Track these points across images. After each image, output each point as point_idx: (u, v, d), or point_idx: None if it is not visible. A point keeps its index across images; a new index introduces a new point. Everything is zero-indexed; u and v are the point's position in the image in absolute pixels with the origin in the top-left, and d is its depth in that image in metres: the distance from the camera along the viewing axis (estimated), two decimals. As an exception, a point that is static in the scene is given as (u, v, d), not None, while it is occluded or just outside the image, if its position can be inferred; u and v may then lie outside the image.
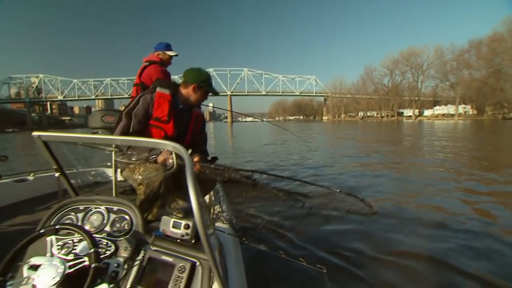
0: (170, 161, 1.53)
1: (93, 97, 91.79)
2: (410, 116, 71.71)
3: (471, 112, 60.14)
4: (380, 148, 11.61)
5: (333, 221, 2.74)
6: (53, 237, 0.94)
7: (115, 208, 1.22)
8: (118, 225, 1.17)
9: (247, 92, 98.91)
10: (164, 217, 1.13)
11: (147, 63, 2.80)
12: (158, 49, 2.86)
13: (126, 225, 1.16)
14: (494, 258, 2.49)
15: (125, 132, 1.59)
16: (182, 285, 0.96)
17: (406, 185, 5.35)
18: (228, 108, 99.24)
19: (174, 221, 1.10)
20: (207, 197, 2.14)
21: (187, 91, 1.74)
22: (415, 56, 71.55)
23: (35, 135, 1.12)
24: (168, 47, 2.90)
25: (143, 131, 1.64)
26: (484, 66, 56.38)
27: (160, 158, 1.55)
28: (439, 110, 66.27)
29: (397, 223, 3.29)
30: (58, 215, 1.21)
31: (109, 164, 3.14)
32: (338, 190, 1.72)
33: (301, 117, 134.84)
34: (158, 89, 1.68)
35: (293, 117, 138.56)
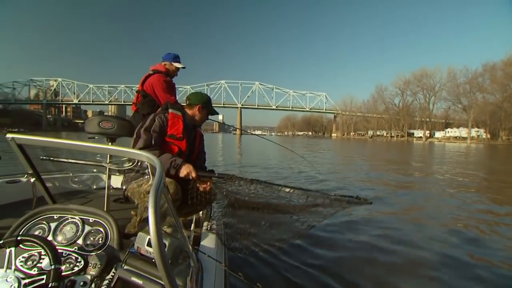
0: (193, 174, 1.66)
1: (106, 102, 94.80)
2: (421, 137, 70.77)
3: (484, 136, 58.69)
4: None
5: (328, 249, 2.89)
6: (13, 250, 0.87)
7: (91, 219, 1.15)
8: (92, 238, 1.10)
9: (257, 106, 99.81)
10: (140, 234, 1.03)
11: (151, 72, 2.80)
12: (166, 60, 2.85)
13: (100, 239, 1.09)
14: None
15: (148, 146, 1.70)
16: None
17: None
18: (237, 120, 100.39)
19: (149, 239, 0.99)
20: (200, 213, 2.15)
21: (193, 111, 1.94)
22: (427, 77, 71.53)
23: (9, 137, 1.05)
24: (176, 58, 2.88)
25: (159, 144, 1.75)
26: (499, 90, 55.58)
27: (184, 173, 1.67)
28: (451, 132, 65.03)
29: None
30: (30, 223, 1.13)
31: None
32: (333, 194, 1.78)
33: (310, 133, 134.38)
34: (170, 110, 1.85)
35: (302, 133, 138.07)
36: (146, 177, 1.68)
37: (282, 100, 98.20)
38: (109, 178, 2.28)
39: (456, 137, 62.93)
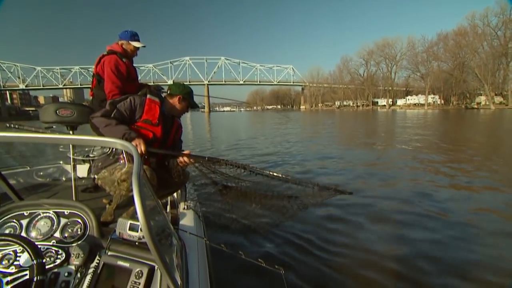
0: (142, 147, 1.61)
1: (60, 86, 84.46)
2: (384, 105, 74.68)
3: (439, 102, 64.00)
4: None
5: (300, 220, 3.14)
6: None
7: (66, 211, 1.14)
8: (70, 230, 1.10)
9: (225, 81, 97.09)
10: (120, 219, 1.07)
11: (105, 53, 2.51)
12: (122, 38, 2.56)
13: (79, 230, 1.10)
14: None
15: (105, 116, 1.64)
16: None
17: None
18: (205, 97, 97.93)
19: (130, 223, 1.04)
20: (175, 195, 2.19)
21: (173, 101, 1.92)
22: (389, 47, 74.33)
23: None
24: (134, 36, 2.59)
25: (122, 122, 1.69)
26: (451, 58, 60.24)
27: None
28: (411, 100, 69.60)
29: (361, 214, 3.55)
30: None
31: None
32: (316, 184, 1.85)
33: (279, 107, 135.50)
34: (148, 96, 1.82)
35: (271, 107, 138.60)
36: (117, 164, 1.66)
37: (249, 75, 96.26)
38: (74, 168, 2.16)
39: (415, 104, 67.61)
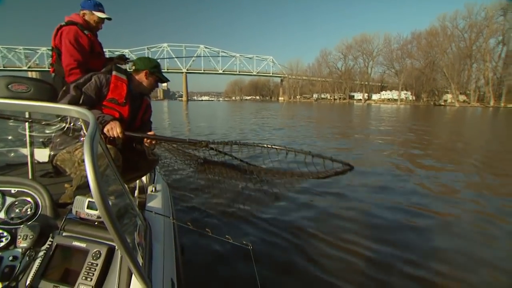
0: (118, 130, 1.49)
1: (25, 68, 76.26)
2: (360, 99, 77.42)
3: (411, 98, 67.23)
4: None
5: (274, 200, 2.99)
6: None
7: (13, 190, 1.04)
8: (17, 210, 1.01)
9: (203, 70, 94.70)
10: (78, 197, 0.99)
11: (63, 23, 2.23)
12: (85, 8, 2.29)
13: (29, 210, 1.01)
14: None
15: (74, 103, 1.49)
16: (97, 273, 0.84)
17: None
18: (183, 86, 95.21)
19: (89, 201, 0.97)
20: (143, 179, 2.13)
21: (140, 77, 1.79)
22: (367, 43, 76.23)
23: None
24: (97, 6, 2.31)
25: (92, 107, 1.58)
26: (422, 57, 63.21)
27: (107, 128, 1.53)
28: (385, 95, 72.59)
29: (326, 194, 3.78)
30: None
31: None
32: (308, 152, 1.62)
33: (257, 97, 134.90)
34: (114, 73, 1.70)
35: (249, 97, 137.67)
36: (79, 142, 1.52)
37: (229, 64, 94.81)
38: (31, 146, 1.90)
39: (389, 99, 70.72)
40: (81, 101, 1.54)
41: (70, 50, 2.15)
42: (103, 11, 2.35)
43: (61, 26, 2.22)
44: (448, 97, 59.25)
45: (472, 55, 54.94)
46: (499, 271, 2.25)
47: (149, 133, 1.72)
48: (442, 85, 59.87)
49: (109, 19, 2.40)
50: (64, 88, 1.59)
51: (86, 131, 1.28)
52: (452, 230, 2.91)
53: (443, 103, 58.55)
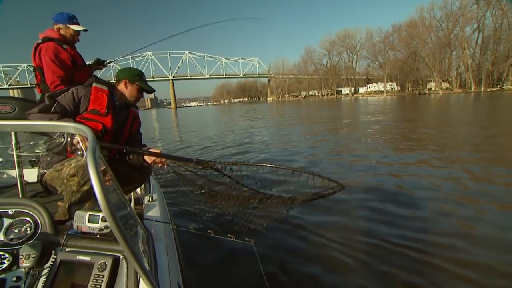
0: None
1: (5, 86, 74.64)
2: (348, 94, 78.39)
3: (396, 89, 68.58)
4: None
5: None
6: None
7: (10, 211, 1.02)
8: (16, 230, 0.99)
9: (190, 76, 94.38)
10: (78, 212, 0.99)
11: (40, 41, 2.17)
12: (59, 22, 2.22)
13: (28, 229, 1.00)
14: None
15: (44, 111, 1.48)
16: (104, 284, 0.84)
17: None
18: (171, 93, 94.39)
19: (90, 215, 0.98)
20: (138, 190, 2.12)
21: (121, 87, 1.77)
22: (350, 38, 77.39)
23: None
24: (71, 19, 2.26)
25: (65, 117, 1.53)
26: (404, 48, 64.60)
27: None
28: (371, 87, 73.94)
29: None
30: None
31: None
32: (306, 172, 1.65)
33: (246, 99, 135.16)
34: (94, 84, 1.67)
35: (238, 100, 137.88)
36: (65, 160, 1.49)
37: (215, 68, 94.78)
38: (19, 165, 1.75)
39: (375, 91, 71.99)
40: (52, 110, 1.50)
41: (52, 68, 2.11)
42: (78, 23, 2.29)
43: (38, 44, 2.16)
44: (432, 85, 60.71)
45: (451, 43, 56.44)
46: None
47: (152, 149, 1.68)
48: (425, 74, 61.23)
49: (85, 30, 2.34)
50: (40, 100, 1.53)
51: (74, 149, 1.28)
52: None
53: (427, 92, 59.93)
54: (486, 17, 51.69)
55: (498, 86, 49.50)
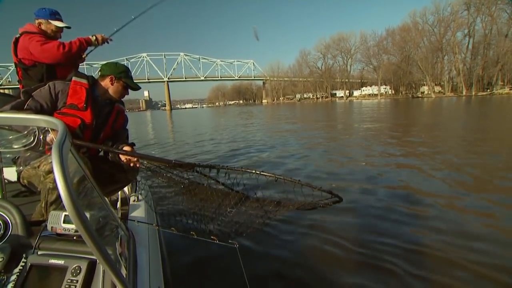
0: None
1: None
2: (342, 96, 79.14)
3: (390, 92, 69.50)
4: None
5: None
6: None
7: None
8: None
9: (185, 78, 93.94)
10: (53, 212, 0.94)
11: (18, 35, 2.05)
12: (40, 17, 2.11)
13: None
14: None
15: (18, 108, 1.41)
16: None
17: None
18: (166, 95, 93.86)
19: (65, 215, 0.91)
20: (125, 189, 2.09)
21: (105, 83, 1.69)
22: (344, 41, 78.36)
23: None
24: (54, 15, 2.15)
25: (41, 113, 1.45)
26: (398, 52, 65.68)
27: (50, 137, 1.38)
28: (366, 90, 74.82)
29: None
30: None
31: None
32: (298, 180, 1.52)
33: (241, 101, 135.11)
34: (74, 78, 1.60)
35: (233, 102, 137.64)
36: (43, 156, 1.44)
37: (210, 70, 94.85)
38: (1, 170, 1.75)
39: (370, 95, 72.88)
40: (26, 106, 1.43)
41: (42, 40, 1.97)
42: (61, 20, 2.19)
43: (17, 39, 2.04)
44: (425, 89, 61.72)
45: (443, 48, 57.63)
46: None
47: (126, 148, 1.58)
48: (418, 78, 62.26)
49: (68, 27, 2.24)
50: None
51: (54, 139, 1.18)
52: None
53: (420, 95, 60.90)
54: (476, 23, 53.24)
55: (488, 90, 50.63)
